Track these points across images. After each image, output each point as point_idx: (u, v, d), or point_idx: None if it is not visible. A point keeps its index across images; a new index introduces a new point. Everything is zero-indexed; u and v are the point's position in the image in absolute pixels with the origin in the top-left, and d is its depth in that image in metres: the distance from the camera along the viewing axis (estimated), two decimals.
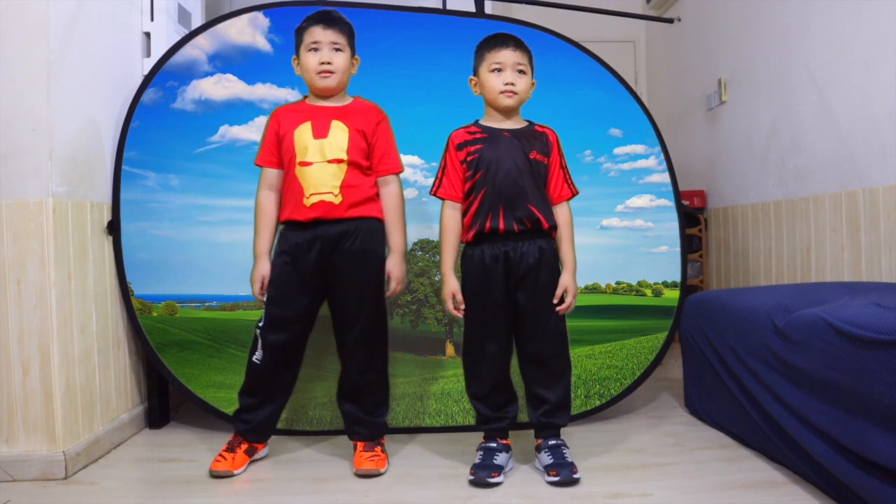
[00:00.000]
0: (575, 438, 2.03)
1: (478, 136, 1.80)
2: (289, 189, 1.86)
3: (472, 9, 2.33)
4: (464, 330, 1.83)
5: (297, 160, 1.84)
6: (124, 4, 2.22)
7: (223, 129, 2.18)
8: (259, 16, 2.20)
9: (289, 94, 2.18)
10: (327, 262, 1.84)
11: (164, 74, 2.17)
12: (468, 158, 1.78)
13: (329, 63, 1.84)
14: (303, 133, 1.85)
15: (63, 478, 1.79)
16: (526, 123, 1.84)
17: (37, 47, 1.79)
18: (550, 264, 1.79)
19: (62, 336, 1.84)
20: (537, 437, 1.84)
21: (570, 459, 1.76)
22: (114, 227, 2.11)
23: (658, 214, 2.30)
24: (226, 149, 2.18)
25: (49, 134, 1.80)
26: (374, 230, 1.88)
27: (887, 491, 1.32)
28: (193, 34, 2.19)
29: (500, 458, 1.77)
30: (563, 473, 1.71)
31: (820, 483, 1.59)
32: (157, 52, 2.28)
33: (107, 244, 2.10)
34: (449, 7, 2.46)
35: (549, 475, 1.73)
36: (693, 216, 3.44)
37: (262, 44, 2.21)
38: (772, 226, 2.90)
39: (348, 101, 1.93)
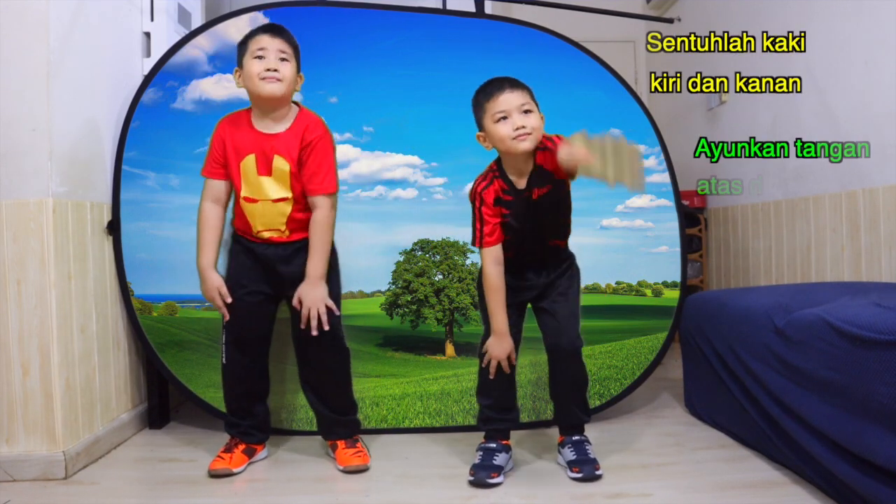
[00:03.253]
0: None
1: (507, 198, 1.74)
2: (239, 214, 1.87)
3: (472, 9, 2.32)
4: (484, 331, 1.85)
5: (242, 195, 1.84)
6: (124, 4, 2.22)
7: None
8: (259, 16, 2.19)
9: None
10: (282, 270, 1.86)
11: (164, 74, 2.17)
12: (503, 212, 1.75)
13: (276, 70, 1.77)
14: (248, 167, 1.83)
15: (63, 478, 1.79)
16: (533, 162, 1.74)
17: (37, 47, 1.79)
18: (572, 274, 1.84)
19: (62, 336, 1.84)
20: (561, 433, 1.87)
21: (592, 456, 1.78)
22: (114, 227, 2.11)
23: (658, 214, 2.30)
24: None
25: (49, 134, 1.80)
26: None
27: (887, 491, 1.32)
28: (193, 34, 2.19)
29: (499, 459, 1.77)
30: (586, 470, 1.73)
31: (820, 483, 1.59)
32: (157, 52, 2.28)
33: (107, 244, 2.10)
34: (449, 7, 2.46)
35: (571, 471, 1.75)
36: (693, 216, 3.44)
37: None
38: (772, 226, 2.90)
39: (291, 117, 1.85)
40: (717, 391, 2.09)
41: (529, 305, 1.87)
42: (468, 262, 2.23)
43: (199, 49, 2.19)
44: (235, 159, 1.84)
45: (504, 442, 1.83)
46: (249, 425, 1.91)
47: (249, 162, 1.83)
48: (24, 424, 1.80)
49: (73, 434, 1.86)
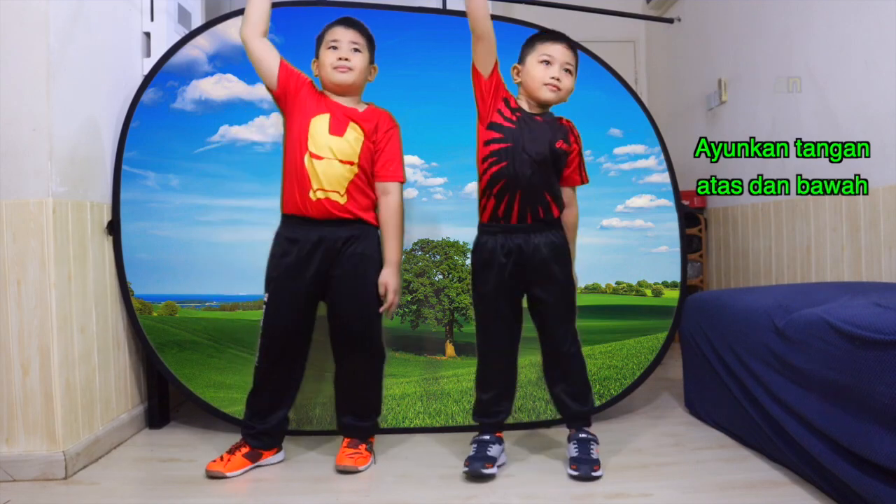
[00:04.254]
0: None
1: (515, 114, 1.80)
2: (295, 178, 1.83)
3: None
4: (476, 321, 1.87)
5: (309, 150, 1.82)
6: (124, 4, 2.22)
7: (223, 129, 2.18)
8: None
9: None
10: (329, 263, 1.84)
11: (164, 74, 2.17)
12: (502, 123, 1.80)
13: (347, 59, 1.84)
14: (319, 124, 1.84)
15: (63, 478, 1.79)
16: (552, 115, 1.87)
17: (37, 47, 1.79)
18: (564, 259, 1.83)
19: (62, 336, 1.84)
20: (569, 427, 1.88)
21: (595, 456, 1.79)
22: (114, 227, 2.11)
23: (658, 214, 2.30)
24: (226, 149, 2.18)
25: (49, 134, 1.80)
26: (373, 236, 1.89)
27: (887, 491, 1.32)
28: (193, 34, 2.19)
29: (493, 450, 1.80)
30: (583, 469, 1.74)
31: (820, 483, 1.59)
32: (157, 52, 2.28)
33: (107, 244, 2.10)
34: (449, 7, 2.46)
35: (570, 468, 1.77)
36: (693, 216, 3.44)
37: None
38: (772, 226, 2.90)
39: (363, 107, 1.93)
40: (717, 391, 2.09)
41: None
42: (468, 262, 2.23)
43: (199, 49, 2.19)
44: (307, 113, 1.85)
45: (497, 434, 1.85)
46: (261, 430, 1.89)
47: (322, 120, 1.85)
48: (24, 424, 1.80)
49: (73, 434, 1.86)
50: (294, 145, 1.84)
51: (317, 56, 1.90)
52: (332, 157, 1.82)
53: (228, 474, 1.82)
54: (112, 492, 1.74)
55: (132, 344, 2.21)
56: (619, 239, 2.29)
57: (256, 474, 1.85)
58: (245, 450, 1.88)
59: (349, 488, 1.74)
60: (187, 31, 2.36)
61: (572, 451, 1.81)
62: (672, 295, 2.31)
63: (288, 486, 1.77)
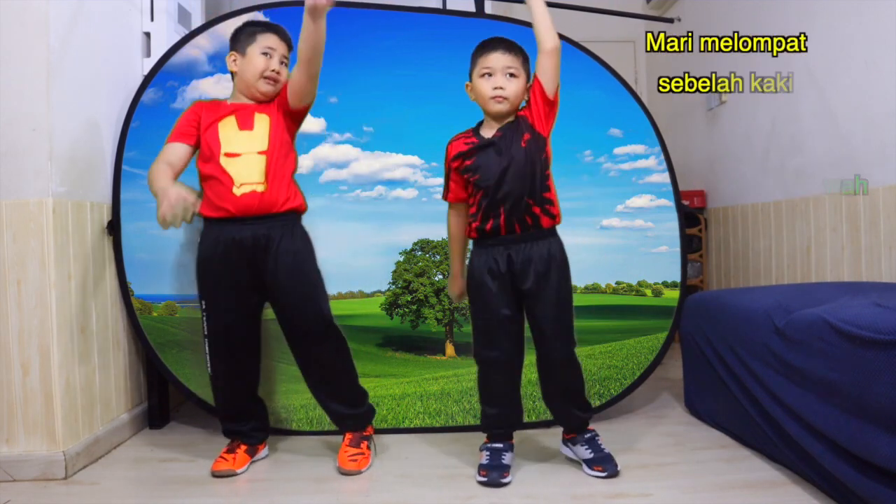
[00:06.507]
0: None
1: (473, 144, 1.76)
2: (214, 181, 1.81)
3: (472, 9, 2.32)
4: (473, 336, 1.84)
5: (223, 151, 1.81)
6: (124, 4, 2.22)
7: None
8: (259, 16, 2.19)
9: None
10: (261, 263, 1.82)
11: (164, 74, 2.17)
12: (465, 164, 1.76)
13: (278, 72, 1.85)
14: (227, 125, 1.84)
15: (63, 478, 1.79)
16: (515, 115, 1.77)
17: (37, 47, 1.79)
18: (560, 269, 1.75)
19: (62, 336, 1.84)
20: (567, 432, 1.87)
21: (607, 451, 1.79)
22: (114, 227, 2.11)
23: (658, 214, 2.30)
24: None
25: (49, 134, 1.80)
26: (297, 226, 1.87)
27: (887, 492, 1.32)
28: (193, 34, 2.19)
29: (507, 458, 1.79)
30: (609, 469, 1.75)
31: (820, 483, 1.59)
32: (157, 52, 2.28)
33: (107, 244, 2.10)
34: (449, 7, 2.46)
35: (593, 469, 1.76)
36: (693, 216, 3.44)
37: None
38: (772, 226, 2.90)
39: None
40: (717, 391, 2.09)
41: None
42: (468, 261, 2.23)
43: (199, 49, 2.19)
44: (213, 121, 1.84)
45: (510, 441, 1.84)
46: (251, 428, 1.91)
47: (229, 121, 1.84)
48: (24, 424, 1.80)
49: (73, 434, 1.86)
50: (208, 153, 1.82)
51: (240, 51, 1.86)
52: (248, 152, 1.81)
53: (238, 471, 1.84)
54: (112, 492, 1.74)
55: (132, 344, 2.21)
56: (619, 239, 2.29)
57: (256, 474, 1.85)
58: (244, 446, 1.89)
59: (349, 488, 1.74)
60: (187, 31, 2.36)
61: (584, 452, 1.80)
62: (672, 295, 2.31)
63: (288, 486, 1.77)
